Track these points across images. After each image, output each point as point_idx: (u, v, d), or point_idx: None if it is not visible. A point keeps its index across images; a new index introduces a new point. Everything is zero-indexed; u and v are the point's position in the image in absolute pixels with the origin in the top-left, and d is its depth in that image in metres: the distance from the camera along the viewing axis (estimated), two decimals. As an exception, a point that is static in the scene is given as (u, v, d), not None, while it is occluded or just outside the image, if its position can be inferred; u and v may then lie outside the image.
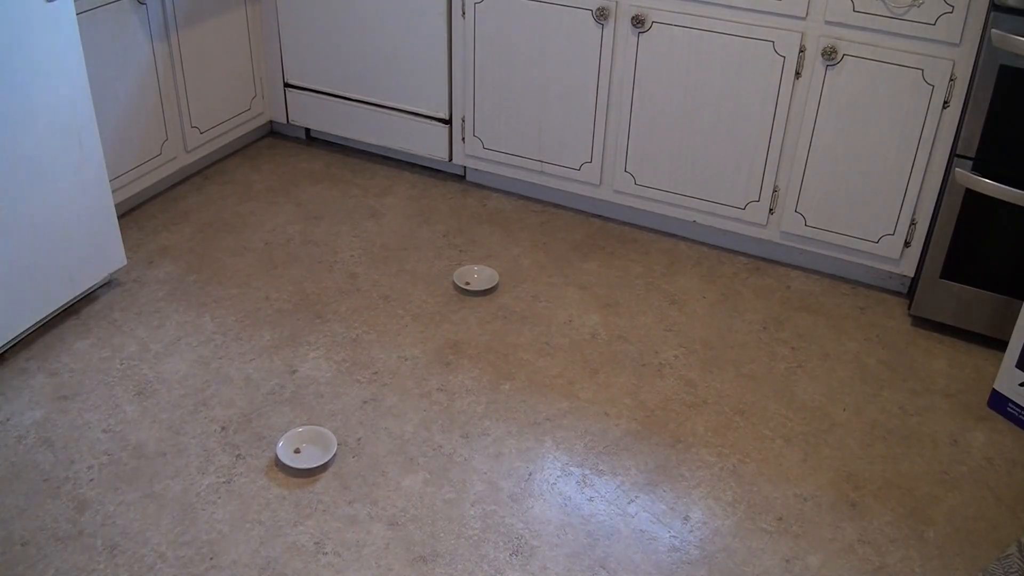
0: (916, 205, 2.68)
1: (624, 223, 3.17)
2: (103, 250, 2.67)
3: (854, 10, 2.53)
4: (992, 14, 2.31)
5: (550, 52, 2.96)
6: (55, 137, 2.43)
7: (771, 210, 2.88)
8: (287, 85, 3.49)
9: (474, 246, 3.04)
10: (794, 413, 2.41)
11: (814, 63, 2.63)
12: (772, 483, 2.20)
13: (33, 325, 2.53)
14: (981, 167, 2.43)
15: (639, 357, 2.57)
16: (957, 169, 2.45)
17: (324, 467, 2.19)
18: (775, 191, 2.84)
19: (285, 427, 2.29)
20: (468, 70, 3.13)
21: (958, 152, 2.46)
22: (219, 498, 2.11)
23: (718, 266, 2.99)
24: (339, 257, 2.97)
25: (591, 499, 2.14)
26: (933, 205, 2.66)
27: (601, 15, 2.82)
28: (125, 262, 2.76)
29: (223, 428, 2.30)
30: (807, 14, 2.60)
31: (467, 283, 2.83)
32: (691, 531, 2.07)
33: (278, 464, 2.19)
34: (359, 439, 2.28)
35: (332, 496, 2.12)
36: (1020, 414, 2.37)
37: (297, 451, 2.22)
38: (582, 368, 2.52)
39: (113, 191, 2.71)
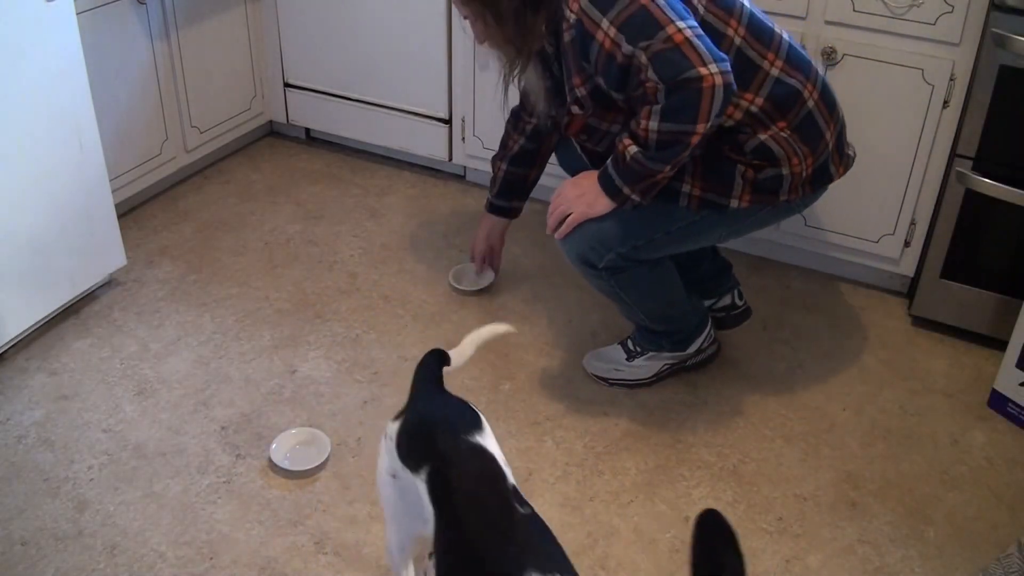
0: (916, 205, 2.68)
1: (624, 223, 3.16)
2: (103, 250, 2.67)
3: (854, 10, 2.53)
4: (992, 14, 2.31)
5: (550, 52, 2.96)
6: (55, 137, 2.43)
7: (771, 210, 2.87)
8: (287, 85, 3.49)
9: (474, 246, 3.04)
10: (794, 413, 2.40)
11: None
12: (772, 483, 2.19)
13: (33, 325, 2.53)
14: (981, 167, 2.43)
15: (639, 357, 2.57)
16: (957, 169, 2.45)
17: (320, 467, 2.19)
18: (775, 191, 2.84)
19: (285, 427, 2.28)
20: (468, 70, 3.12)
21: (958, 152, 2.46)
22: (219, 498, 2.11)
23: (718, 266, 2.99)
24: (339, 257, 2.97)
25: (591, 499, 2.14)
26: (933, 205, 2.66)
27: (601, 15, 2.82)
28: (125, 262, 2.76)
29: (223, 428, 2.30)
30: (807, 14, 2.59)
31: (460, 282, 2.81)
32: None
33: (275, 466, 2.19)
34: (359, 439, 2.28)
35: (332, 496, 2.12)
36: (1020, 414, 2.37)
37: (290, 454, 2.21)
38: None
39: (113, 191, 2.70)
